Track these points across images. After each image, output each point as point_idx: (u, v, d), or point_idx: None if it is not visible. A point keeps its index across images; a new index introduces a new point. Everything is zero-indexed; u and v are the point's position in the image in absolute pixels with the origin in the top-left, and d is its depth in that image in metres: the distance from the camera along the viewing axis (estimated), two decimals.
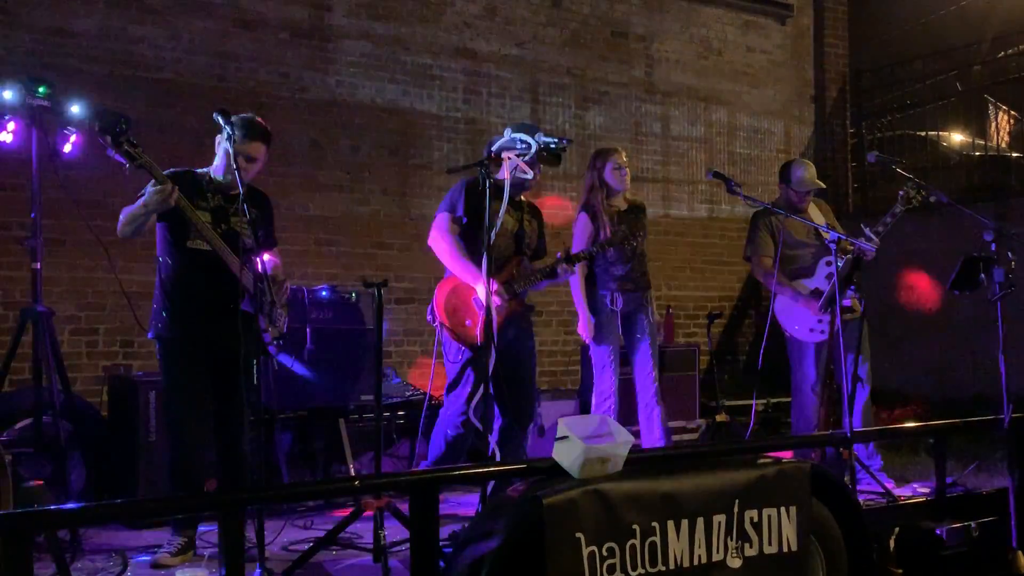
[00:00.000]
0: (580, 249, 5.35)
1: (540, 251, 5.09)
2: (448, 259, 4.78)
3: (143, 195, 4.06)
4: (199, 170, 4.40)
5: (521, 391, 4.79)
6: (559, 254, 4.98)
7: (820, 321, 5.47)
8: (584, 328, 5.55)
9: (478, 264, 4.58)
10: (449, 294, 4.74)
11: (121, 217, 4.15)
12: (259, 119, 4.42)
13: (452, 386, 4.78)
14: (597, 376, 5.63)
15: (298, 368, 5.35)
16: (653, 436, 5.61)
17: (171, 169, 4.30)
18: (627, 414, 5.70)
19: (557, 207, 7.97)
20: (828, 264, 5.39)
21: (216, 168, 4.36)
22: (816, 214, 5.73)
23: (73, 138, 4.42)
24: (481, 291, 4.59)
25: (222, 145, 4.24)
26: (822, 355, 5.51)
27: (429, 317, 4.82)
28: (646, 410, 5.64)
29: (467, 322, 4.70)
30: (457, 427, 4.73)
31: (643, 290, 5.69)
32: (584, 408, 6.49)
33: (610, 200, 5.63)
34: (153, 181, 4.01)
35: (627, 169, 5.67)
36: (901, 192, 5.32)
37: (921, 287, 8.66)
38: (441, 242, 4.79)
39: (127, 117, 4.41)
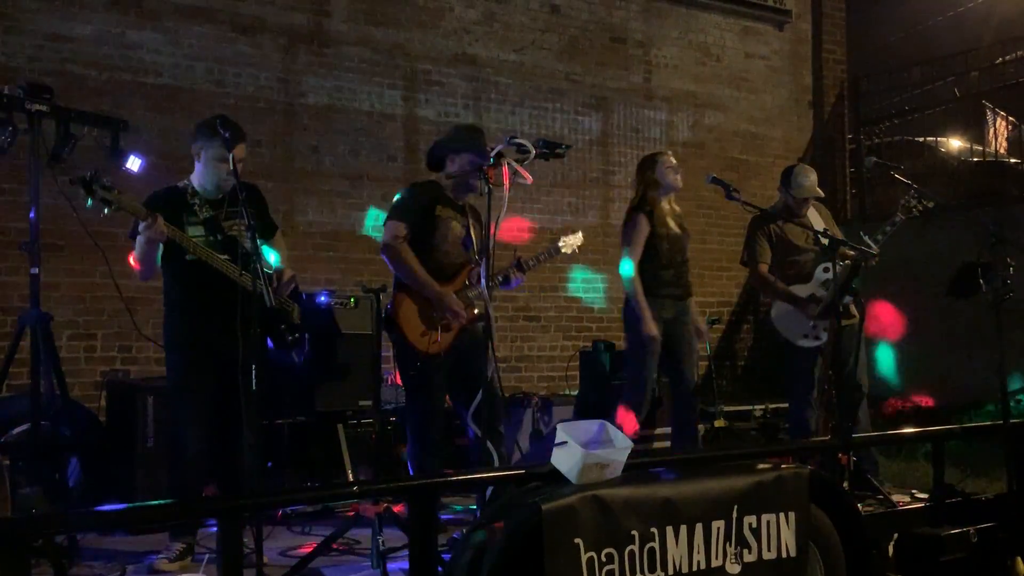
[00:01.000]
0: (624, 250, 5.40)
1: (482, 254, 5.05)
2: (406, 272, 4.63)
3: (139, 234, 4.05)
4: (179, 184, 4.36)
5: (487, 395, 4.73)
6: (513, 261, 4.94)
7: (816, 327, 5.47)
8: (648, 328, 5.40)
9: (434, 276, 4.59)
10: (407, 304, 4.64)
11: (133, 263, 4.17)
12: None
13: (411, 397, 4.71)
14: (632, 380, 5.53)
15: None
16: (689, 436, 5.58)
17: (151, 194, 4.27)
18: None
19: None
20: (826, 270, 5.39)
21: (200, 178, 4.32)
22: (816, 219, 5.72)
23: (72, 143, 4.41)
24: (441, 302, 4.58)
25: (210, 154, 4.21)
26: (819, 361, 5.51)
27: (386, 327, 4.72)
28: (686, 411, 5.57)
29: (423, 334, 4.61)
30: (427, 436, 4.65)
31: (687, 297, 5.67)
32: (583, 413, 6.46)
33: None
34: (136, 220, 3.99)
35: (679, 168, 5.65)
36: (901, 201, 5.31)
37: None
38: (399, 253, 4.62)
39: (127, 122, 4.40)
